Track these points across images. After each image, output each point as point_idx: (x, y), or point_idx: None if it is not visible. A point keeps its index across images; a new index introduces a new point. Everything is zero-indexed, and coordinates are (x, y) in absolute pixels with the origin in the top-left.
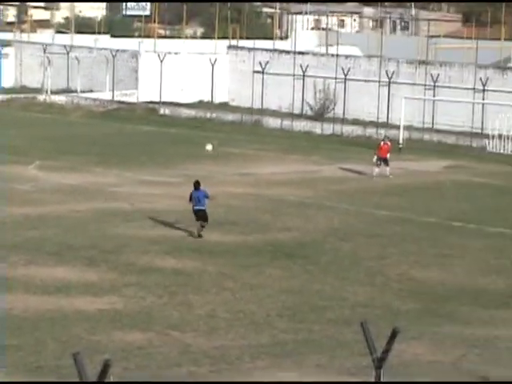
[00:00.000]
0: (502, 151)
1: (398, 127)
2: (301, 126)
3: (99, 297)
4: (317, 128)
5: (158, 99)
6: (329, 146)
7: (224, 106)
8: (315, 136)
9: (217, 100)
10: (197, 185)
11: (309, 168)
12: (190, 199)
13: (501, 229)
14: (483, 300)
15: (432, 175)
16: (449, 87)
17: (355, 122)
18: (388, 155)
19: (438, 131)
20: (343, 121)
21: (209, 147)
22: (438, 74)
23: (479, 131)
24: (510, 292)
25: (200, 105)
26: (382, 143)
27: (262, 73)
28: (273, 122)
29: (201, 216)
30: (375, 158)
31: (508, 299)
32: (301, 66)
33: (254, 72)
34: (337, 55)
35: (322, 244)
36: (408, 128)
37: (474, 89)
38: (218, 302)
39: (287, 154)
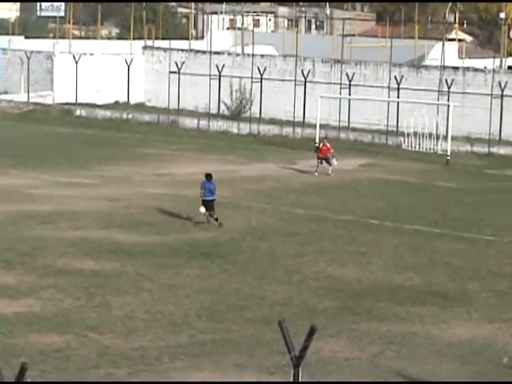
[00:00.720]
0: (416, 149)
1: (314, 126)
2: (217, 125)
3: (16, 300)
4: (233, 128)
5: (73, 100)
6: (246, 145)
7: (140, 107)
8: (232, 136)
9: (133, 101)
10: (209, 176)
11: (226, 168)
12: (201, 190)
13: (417, 226)
14: (400, 297)
15: (348, 173)
16: (364, 86)
17: (272, 122)
18: (329, 155)
19: (354, 130)
20: (260, 120)
21: (202, 209)
22: (354, 73)
23: (394, 129)
24: (426, 289)
25: (116, 106)
26: (321, 145)
27: (178, 73)
28: (189, 122)
29: (210, 206)
30: (317, 159)
31: (424, 296)
32: (217, 66)
33: (170, 72)
34: (252, 55)
35: (239, 243)
36: (324, 127)
37: (388, 87)
38: (137, 302)
39: (204, 153)
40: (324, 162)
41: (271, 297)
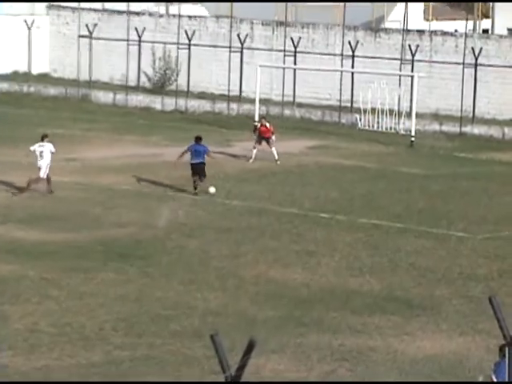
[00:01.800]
0: (375, 128)
1: (253, 101)
2: (137, 100)
3: None
4: (156, 103)
5: None
6: (171, 124)
7: (44, 78)
8: (155, 113)
9: (35, 71)
10: (198, 139)
11: (148, 151)
12: (184, 153)
13: (375, 220)
14: (355, 304)
15: (294, 158)
16: (312, 53)
17: (202, 96)
18: (273, 136)
19: (301, 105)
20: (188, 94)
21: (212, 190)
22: (300, 38)
23: (348, 105)
24: (387, 294)
25: (15, 76)
26: (258, 125)
27: (90, 37)
28: (104, 97)
29: (200, 170)
30: (254, 141)
31: (384, 303)
32: (136, 30)
33: (80, 37)
34: (179, 16)
35: (163, 241)
36: (265, 102)
37: (341, 55)
38: (41, 313)
39: (122, 134)
40: (266, 143)
41: (202, 305)
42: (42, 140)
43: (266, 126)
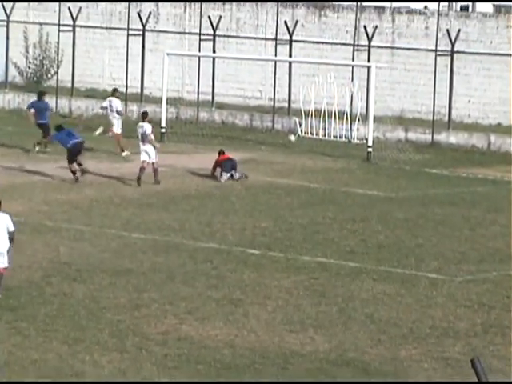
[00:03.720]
0: (320, 136)
1: (159, 101)
2: (5, 100)
3: None
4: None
5: None
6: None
7: None
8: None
9: None
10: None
11: (17, 167)
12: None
13: (321, 258)
14: (295, 370)
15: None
16: (237, 37)
17: (91, 95)
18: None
19: (222, 106)
20: (72, 92)
21: (293, 138)
22: (220, 17)
23: (285, 105)
24: (336, 357)
25: None
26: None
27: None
28: None
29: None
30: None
31: (333, 368)
32: (3, 6)
33: None
34: None
35: (41, 287)
36: (175, 102)
37: (275, 39)
38: None
39: None
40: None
41: (92, 372)
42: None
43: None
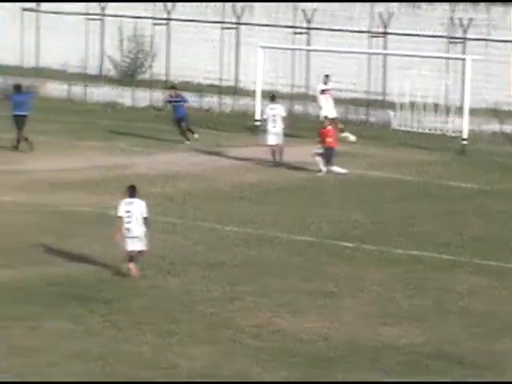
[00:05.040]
0: (414, 129)
1: (252, 94)
2: (100, 94)
3: None
4: (125, 97)
5: None
6: (144, 124)
7: None
8: (123, 110)
9: None
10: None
11: (113, 160)
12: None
13: (415, 251)
14: (389, 363)
15: (307, 168)
16: (331, 30)
17: (185, 88)
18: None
19: (315, 99)
20: (166, 85)
21: (353, 138)
22: (315, 11)
23: (379, 98)
24: (431, 350)
25: None
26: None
27: (36, 11)
28: (54, 89)
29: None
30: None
31: (428, 361)
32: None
33: (25, 10)
34: None
35: (135, 280)
36: (268, 95)
37: (370, 32)
38: None
39: (79, 138)
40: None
41: (186, 364)
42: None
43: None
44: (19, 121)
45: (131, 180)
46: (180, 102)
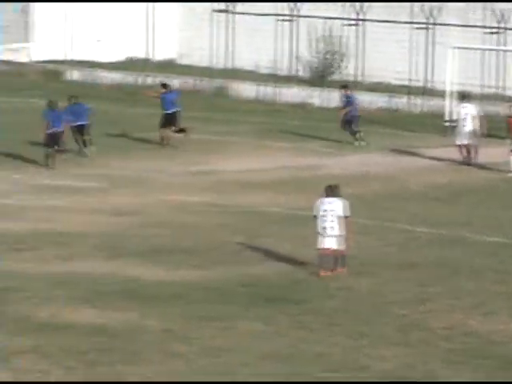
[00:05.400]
0: None
1: (442, 95)
2: (290, 94)
3: None
4: (315, 97)
5: (62, 57)
6: (335, 125)
7: (168, 66)
8: (313, 110)
9: (157, 57)
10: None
11: (304, 161)
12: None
13: None
14: None
15: (501, 169)
16: None
17: (376, 88)
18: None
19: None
20: (357, 86)
21: None
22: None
23: None
24: None
25: (129, 65)
26: None
27: (227, 12)
28: (246, 90)
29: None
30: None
31: None
32: (289, 1)
33: (215, 11)
34: None
35: (325, 281)
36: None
37: None
38: (164, 375)
39: (268, 139)
40: None
41: (377, 366)
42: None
43: None
44: (171, 118)
45: (322, 181)
46: (349, 101)
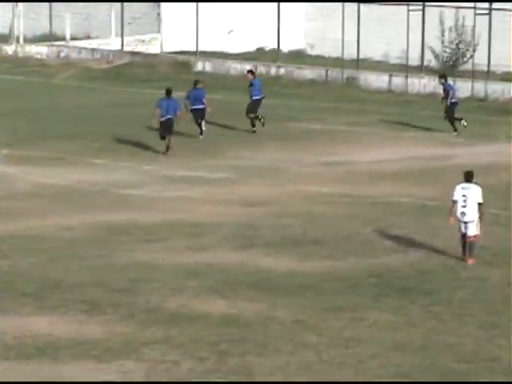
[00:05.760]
0: None
1: None
2: (420, 84)
3: (106, 362)
4: None
5: (192, 48)
6: (465, 115)
7: (298, 57)
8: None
9: (286, 47)
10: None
11: (434, 152)
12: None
13: None
14: None
15: None
16: None
17: (507, 78)
18: None
19: None
20: (488, 76)
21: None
22: None
23: None
24: None
25: (259, 55)
26: None
27: (358, 1)
28: (376, 80)
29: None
30: None
31: None
32: None
33: (345, 1)
34: None
35: (456, 271)
36: None
37: None
38: (295, 366)
39: (399, 129)
40: None
41: (508, 357)
42: None
43: None
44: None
45: (452, 171)
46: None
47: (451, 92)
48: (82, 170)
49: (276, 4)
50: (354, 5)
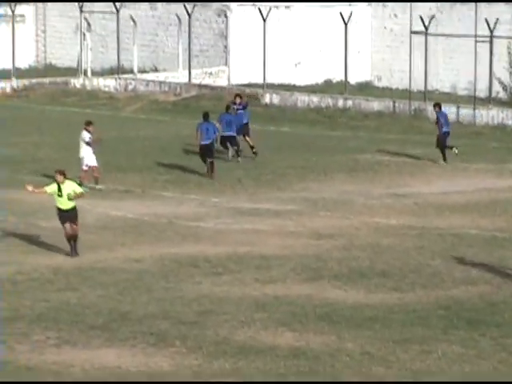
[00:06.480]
0: None
1: None
2: (488, 116)
3: None
4: None
5: (259, 80)
6: None
7: (365, 88)
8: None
9: (354, 79)
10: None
11: (503, 183)
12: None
13: None
14: None
15: None
16: None
17: None
18: None
19: None
20: None
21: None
22: None
23: None
24: None
25: (327, 87)
26: None
27: (425, 34)
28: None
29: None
30: None
31: None
32: (486, 22)
33: (413, 33)
34: None
35: None
36: None
37: None
38: None
39: (467, 161)
40: None
41: None
42: None
43: None
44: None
45: None
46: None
47: (442, 121)
48: (149, 202)
49: (343, 36)
50: (422, 36)
